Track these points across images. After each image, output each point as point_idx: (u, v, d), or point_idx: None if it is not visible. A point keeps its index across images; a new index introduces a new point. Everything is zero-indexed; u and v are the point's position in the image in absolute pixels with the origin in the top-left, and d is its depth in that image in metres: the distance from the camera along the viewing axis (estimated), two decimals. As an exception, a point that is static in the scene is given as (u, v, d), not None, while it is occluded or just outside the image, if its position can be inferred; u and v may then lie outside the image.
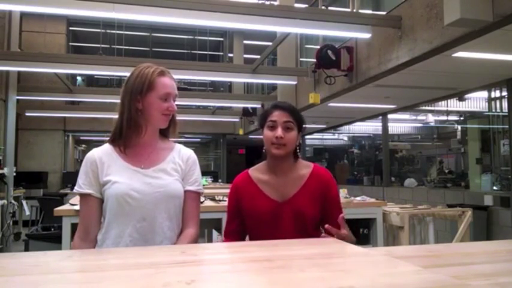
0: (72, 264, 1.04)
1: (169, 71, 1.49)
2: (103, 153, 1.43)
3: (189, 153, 1.54)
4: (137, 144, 1.45)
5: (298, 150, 1.64)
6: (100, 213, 1.41)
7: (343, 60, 5.18)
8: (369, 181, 8.74)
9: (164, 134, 1.53)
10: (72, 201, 3.10)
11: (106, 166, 1.40)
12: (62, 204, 3.65)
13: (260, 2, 7.07)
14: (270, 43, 6.30)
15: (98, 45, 9.50)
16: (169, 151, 1.51)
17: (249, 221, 1.62)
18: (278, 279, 0.88)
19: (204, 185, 2.27)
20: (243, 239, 1.65)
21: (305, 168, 1.64)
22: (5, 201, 5.84)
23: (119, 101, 1.44)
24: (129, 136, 1.43)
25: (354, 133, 12.00)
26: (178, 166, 1.48)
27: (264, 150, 1.63)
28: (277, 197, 1.58)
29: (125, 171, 1.41)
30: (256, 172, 1.66)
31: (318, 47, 5.39)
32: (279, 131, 1.54)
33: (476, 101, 8.11)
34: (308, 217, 1.55)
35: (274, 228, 1.54)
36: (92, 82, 12.42)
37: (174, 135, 1.55)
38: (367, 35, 4.42)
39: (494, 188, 5.71)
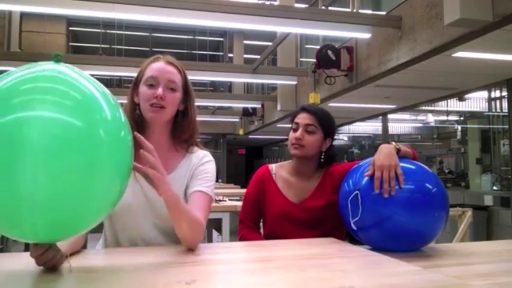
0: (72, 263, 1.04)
1: (173, 58, 1.30)
2: None
3: (203, 155, 1.35)
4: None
5: (322, 158, 1.59)
6: None
7: (343, 60, 5.17)
8: (369, 181, 8.71)
9: (181, 138, 1.32)
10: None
11: None
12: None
13: (260, 2, 7.07)
14: (270, 43, 6.30)
15: (98, 45, 9.51)
16: (182, 158, 1.32)
17: (264, 217, 1.63)
18: (278, 279, 0.88)
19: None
20: (258, 228, 1.65)
21: (323, 171, 1.62)
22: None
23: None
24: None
25: (354, 133, 11.99)
26: (188, 173, 1.30)
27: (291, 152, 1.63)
28: (294, 198, 1.58)
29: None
30: (280, 169, 1.65)
31: (318, 47, 5.39)
32: (298, 133, 1.53)
33: (476, 101, 8.11)
34: (320, 220, 1.53)
35: (288, 228, 1.53)
36: (91, 82, 12.40)
37: (191, 139, 1.33)
38: (367, 35, 4.42)
39: (494, 188, 5.72)
